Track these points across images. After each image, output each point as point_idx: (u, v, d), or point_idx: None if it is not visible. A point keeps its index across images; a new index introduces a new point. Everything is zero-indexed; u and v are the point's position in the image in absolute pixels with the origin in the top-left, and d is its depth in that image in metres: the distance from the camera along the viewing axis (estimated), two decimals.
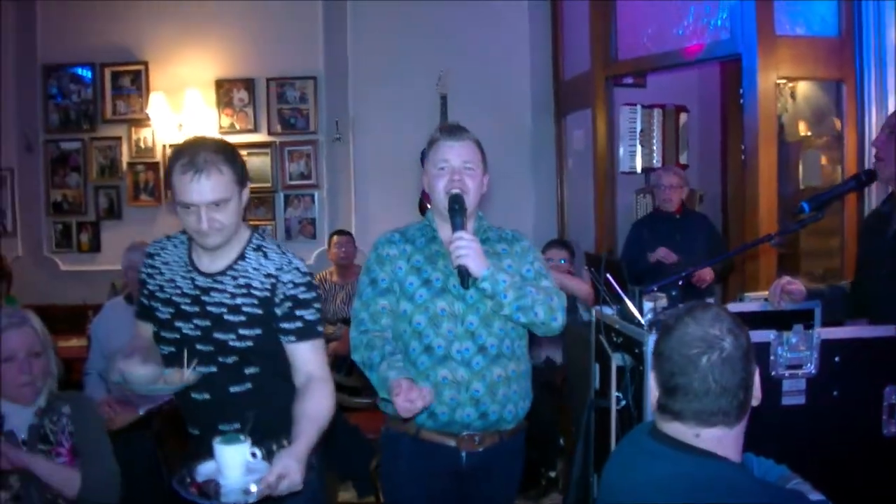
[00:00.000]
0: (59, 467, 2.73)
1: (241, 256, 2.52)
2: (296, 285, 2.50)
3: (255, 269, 2.50)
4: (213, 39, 6.94)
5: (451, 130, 2.89)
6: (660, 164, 6.39)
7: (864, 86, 5.03)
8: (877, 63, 4.95)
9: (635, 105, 6.42)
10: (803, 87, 5.59)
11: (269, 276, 2.48)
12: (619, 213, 6.29)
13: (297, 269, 2.52)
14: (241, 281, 2.49)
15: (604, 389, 3.16)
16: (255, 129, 6.98)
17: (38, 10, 7.00)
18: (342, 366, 5.47)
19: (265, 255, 2.53)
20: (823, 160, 5.50)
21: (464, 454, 2.73)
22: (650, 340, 2.62)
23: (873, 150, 3.07)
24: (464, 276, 2.62)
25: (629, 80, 6.45)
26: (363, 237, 6.34)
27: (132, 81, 6.97)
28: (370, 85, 6.96)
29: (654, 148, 6.44)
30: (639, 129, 6.42)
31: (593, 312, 3.34)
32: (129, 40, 6.96)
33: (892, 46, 4.85)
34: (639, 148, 6.43)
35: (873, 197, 4.60)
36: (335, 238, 6.20)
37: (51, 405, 2.82)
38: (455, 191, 2.73)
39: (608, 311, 3.24)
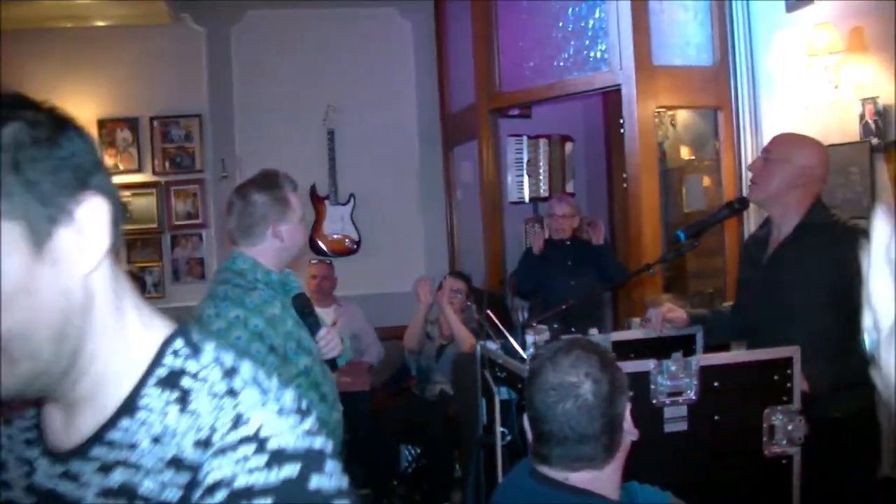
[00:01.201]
0: None
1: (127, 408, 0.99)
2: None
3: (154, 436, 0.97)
4: (94, 78, 6.77)
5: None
6: (547, 193, 6.48)
7: (740, 112, 5.21)
8: (750, 90, 5.13)
9: (521, 136, 6.52)
10: (683, 115, 5.76)
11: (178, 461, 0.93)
12: (508, 243, 6.34)
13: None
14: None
15: (491, 424, 3.16)
16: (140, 169, 6.84)
17: None
18: None
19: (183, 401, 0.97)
20: (706, 183, 5.65)
21: None
22: None
23: (749, 175, 3.16)
24: (333, 363, 2.86)
25: (515, 112, 6.53)
26: None
27: None
28: (257, 121, 6.89)
29: (542, 177, 6.54)
30: (525, 160, 6.51)
31: (478, 347, 3.35)
32: (5, 76, 6.74)
33: (765, 73, 5.03)
34: (526, 178, 6.51)
35: (751, 218, 4.75)
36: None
37: None
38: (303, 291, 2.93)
39: (492, 345, 3.25)
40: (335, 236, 6.73)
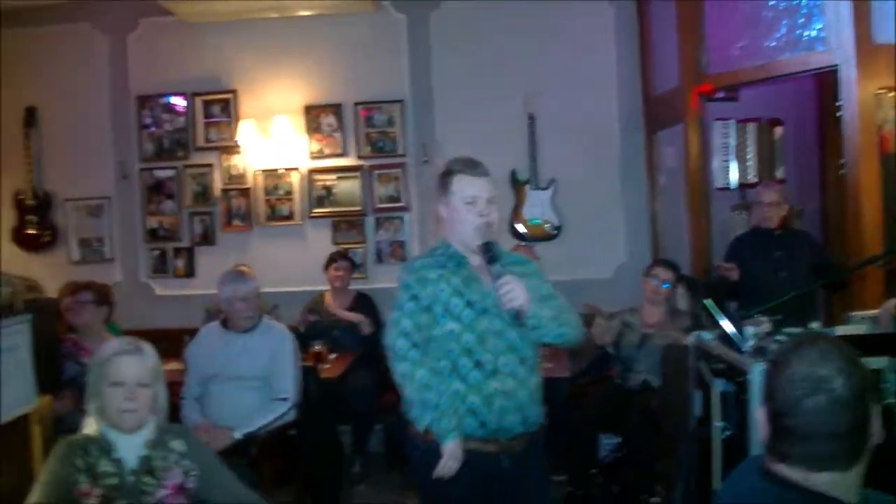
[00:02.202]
0: None
1: None
2: None
3: None
4: (300, 66, 7.02)
5: (474, 165, 3.00)
6: (755, 179, 6.23)
7: None
8: None
9: (729, 120, 6.27)
10: None
11: None
12: (714, 231, 6.14)
13: None
14: None
15: (707, 418, 3.07)
16: (344, 154, 7.02)
17: (130, 43, 7.18)
18: None
19: None
20: None
21: (505, 458, 2.90)
22: (755, 368, 2.53)
23: None
24: (518, 317, 2.77)
25: (721, 95, 6.29)
26: None
27: (222, 109, 7.08)
28: (456, 107, 6.94)
29: (749, 163, 6.28)
30: (732, 144, 6.27)
31: (692, 338, 3.26)
32: (219, 69, 7.08)
33: None
34: (733, 163, 6.27)
35: None
36: None
37: (160, 439, 2.84)
38: (487, 238, 2.89)
39: (707, 336, 3.16)
40: (535, 221, 6.70)
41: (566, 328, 2.91)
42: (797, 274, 5.15)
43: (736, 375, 2.77)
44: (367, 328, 6.18)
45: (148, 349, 2.89)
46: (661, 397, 5.06)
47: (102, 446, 2.76)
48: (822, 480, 1.69)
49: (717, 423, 2.87)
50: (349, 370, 5.72)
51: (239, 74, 7.06)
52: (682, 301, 5.73)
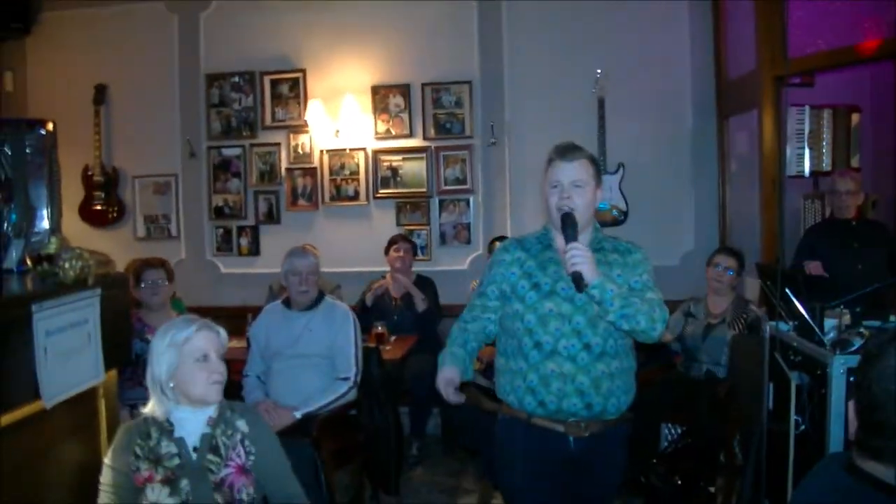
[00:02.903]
0: None
1: None
2: None
3: None
4: (368, 46, 7.00)
5: (564, 151, 3.04)
6: (830, 168, 6.09)
7: None
8: None
9: (803, 106, 6.13)
10: None
11: None
12: (785, 220, 6.02)
13: None
14: None
15: (778, 410, 3.01)
16: (411, 135, 7.00)
17: (201, 22, 7.22)
18: (492, 372, 5.48)
19: None
20: None
21: (571, 439, 2.96)
22: (835, 362, 2.48)
23: None
24: (577, 281, 2.80)
25: (796, 80, 6.16)
26: None
27: (290, 89, 7.09)
28: (526, 88, 6.89)
29: (824, 150, 6.14)
30: (807, 131, 6.13)
31: (768, 328, 3.19)
32: (287, 49, 7.09)
33: None
34: (807, 150, 6.14)
35: None
36: (498, 244, 6.17)
37: (222, 416, 2.85)
38: (565, 209, 2.93)
39: (784, 327, 3.10)
40: (603, 206, 6.62)
41: (638, 318, 2.85)
42: (874, 265, 5.04)
43: (814, 368, 2.71)
44: (421, 304, 6.18)
45: (210, 321, 2.92)
46: (730, 388, 5.00)
47: (163, 427, 2.79)
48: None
49: (794, 417, 2.81)
50: (409, 353, 5.73)
51: (307, 54, 7.07)
52: (749, 290, 5.67)
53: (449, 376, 3.01)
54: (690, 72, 6.82)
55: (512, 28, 6.91)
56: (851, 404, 1.79)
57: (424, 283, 6.42)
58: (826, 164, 6.13)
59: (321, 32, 7.04)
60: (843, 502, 1.73)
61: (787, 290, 3.12)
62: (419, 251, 6.87)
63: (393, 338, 5.77)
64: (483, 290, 3.15)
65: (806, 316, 2.80)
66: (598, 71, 6.51)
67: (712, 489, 5.03)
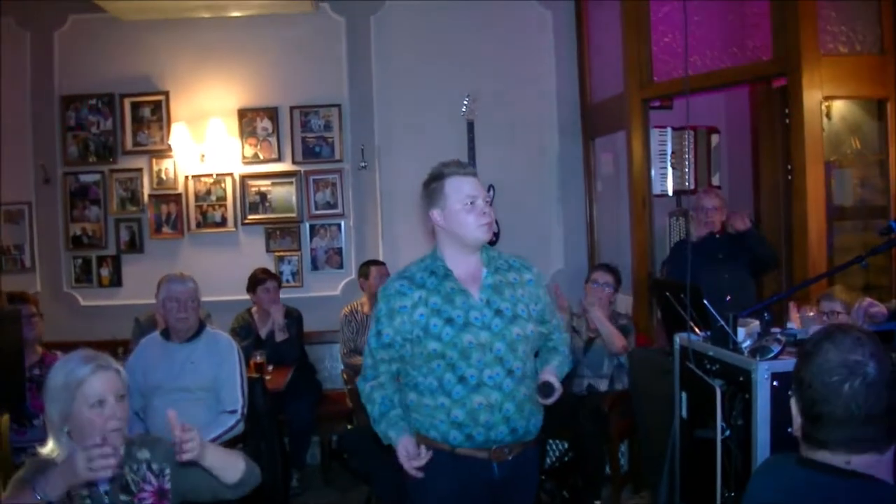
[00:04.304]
0: None
1: None
2: None
3: None
4: (234, 68, 6.87)
5: (462, 165, 3.01)
6: (692, 186, 6.33)
7: None
8: None
9: (666, 128, 6.36)
10: (838, 105, 5.59)
11: None
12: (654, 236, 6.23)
13: None
14: None
15: (694, 419, 3.08)
16: (280, 159, 6.89)
17: (55, 41, 6.89)
18: None
19: None
20: (855, 176, 5.50)
21: (495, 465, 2.90)
22: (760, 367, 2.56)
23: None
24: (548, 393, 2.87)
25: (656, 103, 6.39)
26: (392, 265, 6.21)
27: (153, 112, 6.87)
28: (396, 111, 6.91)
29: (687, 170, 6.37)
30: (670, 152, 6.35)
31: (677, 339, 3.27)
32: (149, 70, 6.87)
33: None
34: (670, 170, 6.36)
35: None
36: (373, 269, 6.12)
37: (127, 451, 2.67)
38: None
39: (695, 337, 3.17)
40: None
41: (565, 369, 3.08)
42: (738, 276, 5.32)
43: (735, 375, 2.78)
44: (280, 335, 5.89)
45: (113, 360, 2.70)
46: (611, 401, 5.11)
47: None
48: (863, 462, 1.76)
49: (720, 424, 2.88)
50: (289, 382, 5.56)
51: (171, 75, 6.86)
52: (620, 304, 5.82)
53: (409, 449, 2.86)
54: (556, 95, 7.00)
55: (380, 51, 6.93)
56: (793, 402, 1.89)
57: (292, 315, 6.12)
58: (689, 183, 6.36)
59: (185, 53, 6.85)
60: (800, 496, 1.81)
61: (704, 302, 3.21)
62: (290, 278, 6.75)
63: (270, 367, 5.60)
64: (386, 341, 2.95)
65: (724, 325, 2.87)
66: (467, 96, 6.56)
67: (598, 502, 5.12)
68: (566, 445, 5.45)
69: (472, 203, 2.88)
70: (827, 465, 1.78)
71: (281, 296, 6.13)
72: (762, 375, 2.56)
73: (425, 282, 2.94)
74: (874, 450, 1.76)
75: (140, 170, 6.89)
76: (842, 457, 1.77)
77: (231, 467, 2.64)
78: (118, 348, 5.47)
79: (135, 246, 6.93)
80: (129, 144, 6.89)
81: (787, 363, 2.52)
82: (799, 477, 1.83)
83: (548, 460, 5.48)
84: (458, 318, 2.86)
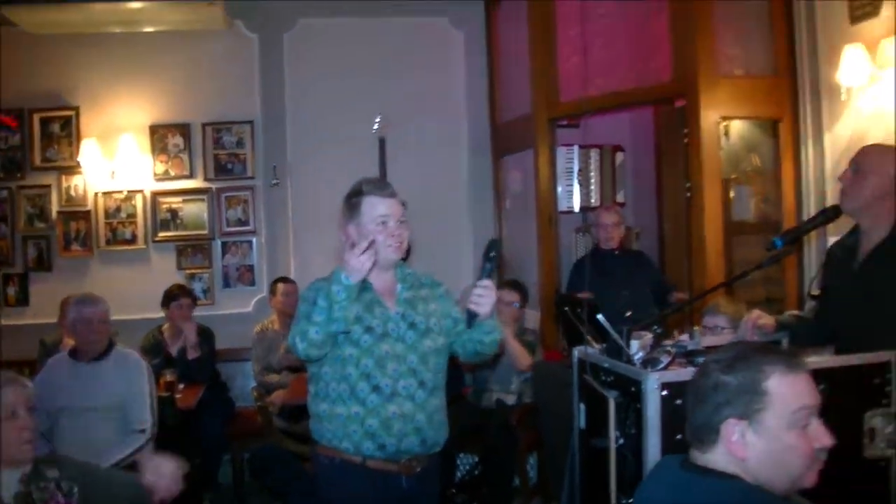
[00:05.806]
0: None
1: None
2: None
3: None
4: (147, 84, 6.84)
5: (382, 186, 3.09)
6: (598, 203, 6.47)
7: (801, 123, 5.24)
8: (813, 100, 5.13)
9: (572, 146, 6.50)
10: (735, 125, 5.76)
11: None
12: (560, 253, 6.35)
13: None
14: None
15: (592, 429, 3.16)
16: (191, 175, 6.88)
17: None
18: (289, 414, 5.40)
19: None
20: (755, 193, 5.66)
21: (404, 479, 2.97)
22: (649, 378, 2.66)
23: (839, 185, 3.19)
24: (471, 318, 2.95)
25: (563, 122, 6.53)
26: (303, 283, 6.22)
27: (62, 127, 6.79)
28: (308, 128, 6.95)
29: (592, 187, 6.53)
30: (576, 169, 6.49)
31: (576, 352, 3.36)
32: (59, 85, 6.80)
33: (827, 84, 5.01)
34: (576, 187, 6.50)
35: None
36: (280, 286, 6.14)
37: (35, 470, 2.68)
38: (492, 240, 3.13)
39: (591, 350, 3.26)
40: None
41: (493, 344, 3.15)
42: (636, 291, 5.46)
43: (627, 386, 2.87)
44: (192, 352, 5.82)
45: (16, 374, 2.74)
46: (519, 414, 5.19)
47: None
48: (712, 459, 1.85)
49: (614, 433, 2.96)
50: (199, 401, 5.54)
51: (81, 91, 6.79)
52: (529, 320, 5.91)
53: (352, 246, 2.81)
54: (467, 114, 7.15)
55: (293, 68, 6.98)
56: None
57: (204, 333, 6.07)
58: (594, 200, 6.52)
59: (97, 68, 6.78)
60: (682, 496, 1.87)
61: (598, 317, 3.29)
62: (201, 295, 6.73)
63: (181, 385, 5.56)
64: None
65: (617, 338, 2.96)
66: (378, 116, 6.63)
67: None
68: (476, 459, 5.53)
69: (383, 223, 2.96)
70: (704, 468, 1.86)
71: (193, 313, 6.08)
72: (652, 385, 2.64)
73: None
74: (697, 450, 1.87)
75: (49, 186, 6.81)
76: (714, 455, 1.84)
77: None
78: (24, 369, 5.38)
79: (43, 264, 6.83)
80: (37, 160, 6.81)
81: (677, 374, 2.63)
82: (682, 479, 1.89)
83: (458, 474, 5.54)
84: (377, 327, 2.95)
